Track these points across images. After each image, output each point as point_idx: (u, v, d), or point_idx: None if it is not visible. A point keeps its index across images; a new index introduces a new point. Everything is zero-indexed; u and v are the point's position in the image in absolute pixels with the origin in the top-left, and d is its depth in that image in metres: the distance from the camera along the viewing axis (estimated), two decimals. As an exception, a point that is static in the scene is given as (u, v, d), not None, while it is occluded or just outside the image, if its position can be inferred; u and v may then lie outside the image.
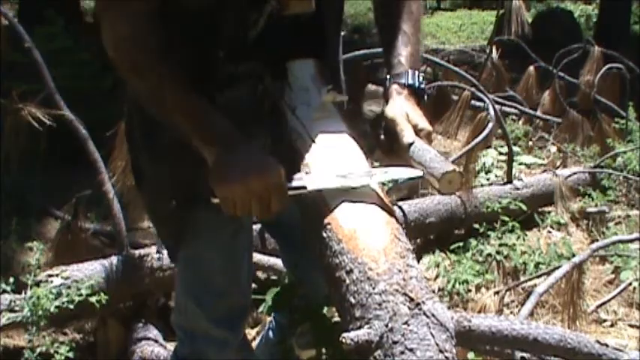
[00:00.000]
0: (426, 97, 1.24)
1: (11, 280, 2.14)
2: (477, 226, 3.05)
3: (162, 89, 1.13)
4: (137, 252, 2.39)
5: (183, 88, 1.13)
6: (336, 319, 1.47)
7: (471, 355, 1.88)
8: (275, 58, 1.24)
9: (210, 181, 1.07)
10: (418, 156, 1.11)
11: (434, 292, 0.95)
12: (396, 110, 1.19)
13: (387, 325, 0.86)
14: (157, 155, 1.34)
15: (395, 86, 1.22)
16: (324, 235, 1.02)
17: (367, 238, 0.98)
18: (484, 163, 3.90)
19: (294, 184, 1.08)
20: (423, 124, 1.18)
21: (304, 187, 1.08)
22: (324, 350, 1.46)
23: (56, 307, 2.08)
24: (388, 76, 1.25)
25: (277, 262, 2.36)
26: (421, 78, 1.23)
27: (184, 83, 1.13)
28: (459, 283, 2.71)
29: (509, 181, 3.42)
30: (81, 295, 2.14)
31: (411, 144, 1.14)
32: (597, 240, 3.11)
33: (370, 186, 1.08)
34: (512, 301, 2.74)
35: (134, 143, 1.41)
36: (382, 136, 1.20)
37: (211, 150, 1.09)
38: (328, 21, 1.31)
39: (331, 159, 1.14)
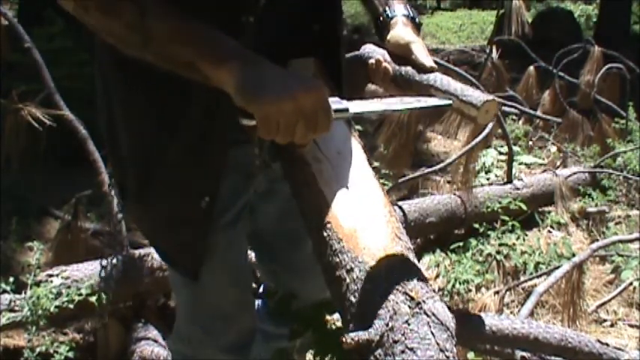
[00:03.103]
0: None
1: (11, 280, 2.14)
2: (477, 226, 3.05)
3: (145, 20, 0.94)
4: (137, 252, 2.38)
5: (171, 11, 0.96)
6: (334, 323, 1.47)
7: (470, 354, 1.88)
8: (275, 56, 1.22)
9: (243, 101, 0.91)
10: (443, 84, 1.07)
11: (434, 291, 0.95)
12: (409, 36, 1.14)
13: (387, 325, 0.86)
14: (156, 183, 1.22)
15: (401, 17, 1.18)
16: (324, 234, 1.02)
17: (367, 237, 0.97)
18: (484, 163, 3.90)
19: (335, 106, 0.98)
20: (431, 60, 1.13)
21: (347, 110, 1.00)
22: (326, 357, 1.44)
23: (56, 306, 2.08)
24: (385, 11, 1.21)
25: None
26: (415, 12, 1.22)
27: (168, 7, 0.96)
28: (459, 283, 2.71)
29: (509, 181, 3.42)
30: (81, 295, 2.14)
31: (430, 70, 1.10)
32: (597, 240, 3.11)
33: (407, 109, 1.07)
34: (512, 301, 2.74)
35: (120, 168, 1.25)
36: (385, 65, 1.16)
37: (231, 67, 0.93)
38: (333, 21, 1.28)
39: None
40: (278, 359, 1.52)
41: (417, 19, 1.21)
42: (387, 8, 1.22)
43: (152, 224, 1.29)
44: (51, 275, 2.20)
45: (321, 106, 0.93)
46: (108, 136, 1.24)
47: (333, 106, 0.97)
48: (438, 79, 1.08)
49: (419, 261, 1.55)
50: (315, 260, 1.04)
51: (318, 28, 1.26)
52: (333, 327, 1.45)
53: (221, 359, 1.39)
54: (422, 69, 1.11)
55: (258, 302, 1.70)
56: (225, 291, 1.36)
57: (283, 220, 1.43)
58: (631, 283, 2.76)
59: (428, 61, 1.11)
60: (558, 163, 4.10)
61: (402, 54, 1.15)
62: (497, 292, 2.48)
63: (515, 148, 3.98)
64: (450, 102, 1.05)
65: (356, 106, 1.03)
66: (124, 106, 1.17)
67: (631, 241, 2.81)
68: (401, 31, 1.17)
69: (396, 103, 1.08)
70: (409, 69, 1.14)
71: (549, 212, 3.43)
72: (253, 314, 1.47)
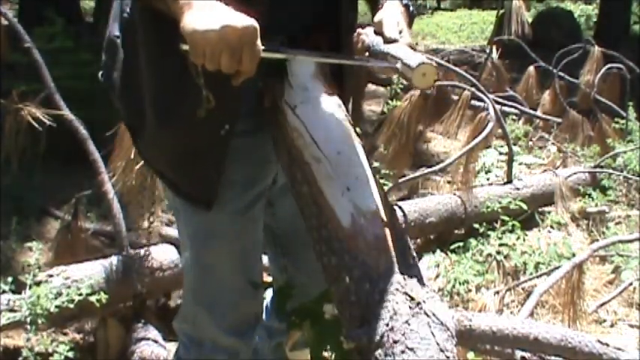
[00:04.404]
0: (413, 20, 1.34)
1: (10, 279, 2.14)
2: (477, 226, 3.05)
3: None
4: (137, 252, 2.38)
5: None
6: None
7: (470, 355, 1.88)
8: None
9: (182, 27, 1.02)
10: (395, 51, 1.17)
11: (434, 291, 0.95)
12: (387, 14, 1.26)
13: (387, 324, 0.86)
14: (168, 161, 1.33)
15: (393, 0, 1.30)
16: (324, 233, 1.02)
17: (367, 237, 0.98)
18: (484, 163, 3.90)
19: (267, 46, 1.06)
20: (407, 37, 1.23)
21: (277, 50, 1.11)
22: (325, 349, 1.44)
23: (56, 306, 2.08)
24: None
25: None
26: (412, 5, 1.33)
27: None
28: (459, 283, 2.71)
29: (509, 181, 3.42)
30: (81, 294, 2.14)
31: (392, 41, 1.20)
32: (597, 240, 3.11)
33: (347, 63, 1.18)
34: (513, 301, 2.74)
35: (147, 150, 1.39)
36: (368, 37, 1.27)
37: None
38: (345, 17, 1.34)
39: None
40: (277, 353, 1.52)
41: (410, 7, 1.32)
42: None
43: (169, 156, 1.35)
44: (51, 275, 2.19)
45: (248, 41, 1.01)
46: (123, 80, 1.32)
47: (265, 46, 1.04)
48: (395, 47, 1.19)
49: (419, 261, 1.55)
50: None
51: (320, 26, 1.28)
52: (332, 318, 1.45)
53: (222, 341, 1.42)
54: (386, 40, 1.22)
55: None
56: (229, 277, 1.39)
57: (298, 216, 1.43)
58: (631, 283, 2.76)
59: (391, 33, 1.22)
60: (558, 163, 4.10)
61: (376, 28, 1.27)
62: (497, 292, 2.48)
63: (515, 148, 3.98)
64: (396, 65, 1.14)
65: (293, 52, 1.13)
66: (152, 44, 1.25)
67: (631, 241, 2.81)
68: (384, 10, 1.29)
69: (339, 58, 1.19)
70: (379, 40, 1.24)
71: (549, 212, 3.43)
72: (259, 302, 1.49)
